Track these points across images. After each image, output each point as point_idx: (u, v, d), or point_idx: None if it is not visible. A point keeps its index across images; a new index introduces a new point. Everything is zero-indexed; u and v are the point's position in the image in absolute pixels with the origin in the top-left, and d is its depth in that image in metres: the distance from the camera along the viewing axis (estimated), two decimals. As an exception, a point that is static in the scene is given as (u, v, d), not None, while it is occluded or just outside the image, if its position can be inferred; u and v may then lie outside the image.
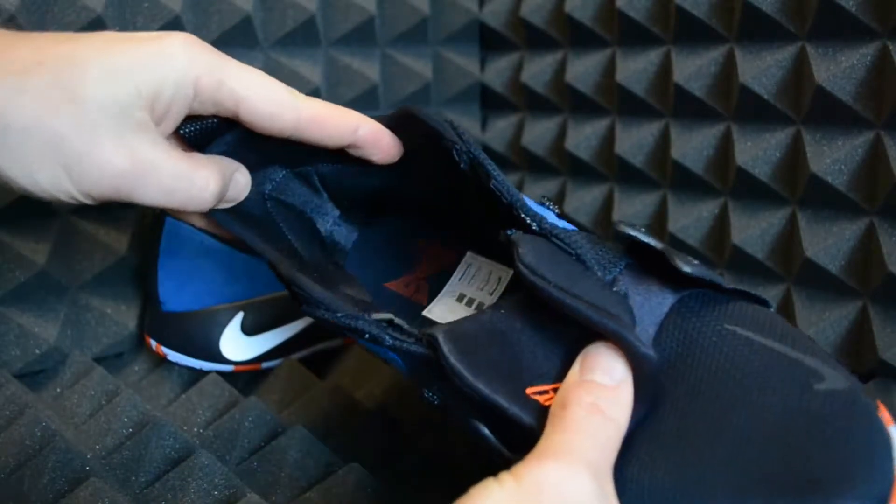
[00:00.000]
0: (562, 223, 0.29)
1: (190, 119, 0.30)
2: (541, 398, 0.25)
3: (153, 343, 0.46)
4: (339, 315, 0.28)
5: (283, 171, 0.35)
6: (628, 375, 0.24)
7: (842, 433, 0.22)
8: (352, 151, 0.32)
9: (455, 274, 0.35)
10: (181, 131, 0.30)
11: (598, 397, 0.24)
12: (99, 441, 0.39)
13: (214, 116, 0.30)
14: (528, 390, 0.25)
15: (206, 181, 0.29)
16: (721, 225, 0.46)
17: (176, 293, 0.45)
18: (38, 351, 0.44)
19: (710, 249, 0.47)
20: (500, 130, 0.61)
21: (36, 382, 0.45)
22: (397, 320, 0.28)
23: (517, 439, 0.25)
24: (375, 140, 0.32)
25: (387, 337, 0.27)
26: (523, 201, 0.28)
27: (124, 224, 0.48)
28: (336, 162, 0.34)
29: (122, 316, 0.48)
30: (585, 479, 0.22)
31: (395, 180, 0.33)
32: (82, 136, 0.26)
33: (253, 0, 0.50)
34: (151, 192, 0.28)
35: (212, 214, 0.32)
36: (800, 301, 0.42)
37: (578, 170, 0.55)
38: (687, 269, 0.26)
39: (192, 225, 0.34)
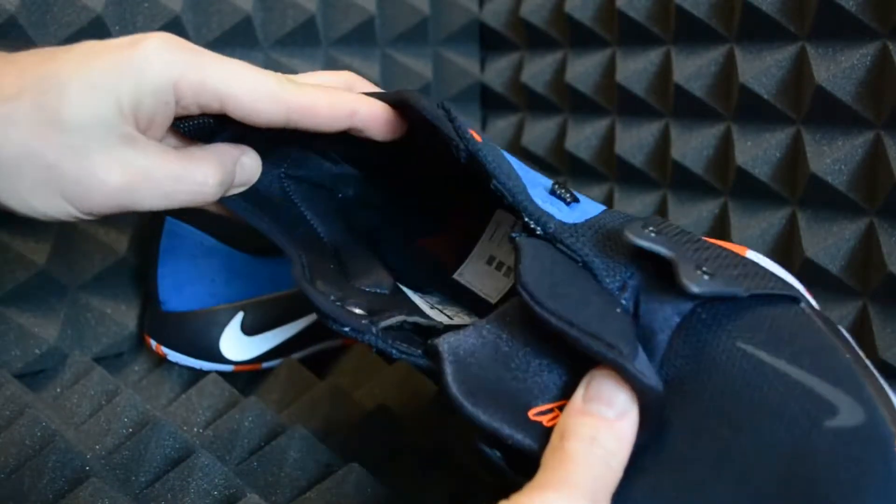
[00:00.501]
0: (573, 214, 0.28)
1: (185, 117, 0.29)
2: (544, 419, 0.25)
3: (153, 343, 0.46)
4: (346, 329, 0.28)
5: (297, 147, 0.34)
6: (632, 407, 0.24)
7: (850, 481, 0.21)
8: (353, 133, 0.31)
9: (485, 234, 0.35)
10: (179, 127, 0.30)
11: (598, 431, 0.23)
12: (99, 441, 0.39)
13: (207, 115, 0.30)
14: (531, 412, 0.25)
15: (205, 176, 0.29)
16: (721, 225, 0.46)
17: (176, 293, 0.45)
18: (38, 351, 0.44)
19: (710, 249, 0.47)
20: (500, 130, 0.61)
21: (36, 382, 0.45)
22: (410, 319, 0.28)
23: (521, 461, 0.24)
24: (375, 121, 0.31)
25: (394, 351, 0.28)
26: (528, 201, 0.28)
27: (124, 224, 0.48)
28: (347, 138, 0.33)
29: (122, 316, 0.48)
30: None
31: (408, 154, 0.33)
32: (72, 160, 0.26)
33: (253, 0, 0.50)
34: (152, 200, 0.28)
35: (225, 204, 0.32)
36: (800, 301, 0.42)
37: (578, 170, 0.55)
38: (695, 289, 0.24)
39: (203, 207, 0.34)
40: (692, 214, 0.48)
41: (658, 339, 0.25)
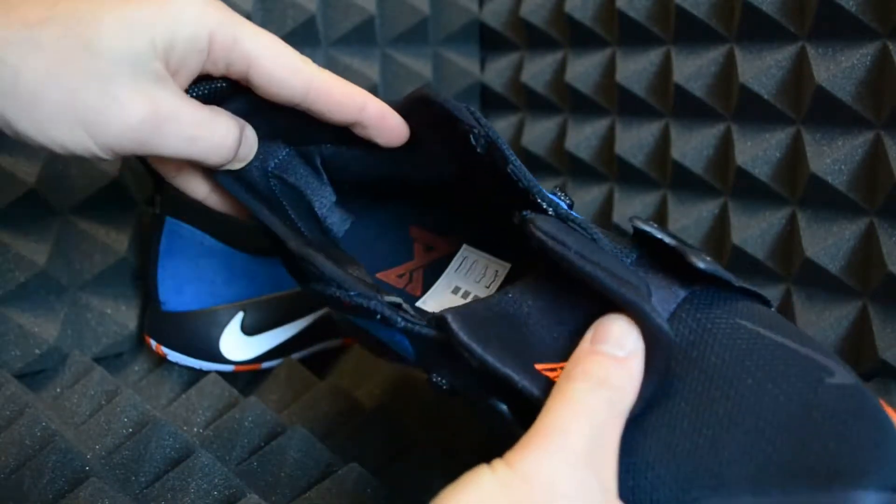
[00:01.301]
0: (574, 214, 0.29)
1: (199, 80, 0.30)
2: (550, 374, 0.25)
3: (153, 343, 0.46)
4: (352, 294, 0.28)
5: (287, 149, 0.34)
6: (640, 348, 0.24)
7: (854, 427, 0.22)
8: (357, 131, 0.31)
9: (451, 265, 0.35)
10: (190, 92, 0.30)
11: (607, 370, 0.23)
12: (99, 441, 0.39)
13: (224, 78, 0.30)
14: (538, 366, 0.25)
15: (228, 129, 0.29)
16: (721, 225, 0.46)
17: (176, 293, 0.45)
18: (38, 351, 0.44)
19: (710, 249, 0.47)
20: (500, 130, 0.61)
21: (36, 382, 0.45)
22: (405, 305, 0.28)
23: (528, 415, 0.24)
24: (381, 120, 0.31)
25: (399, 319, 0.27)
26: (539, 188, 0.28)
27: (124, 224, 0.48)
28: (340, 143, 0.33)
29: (122, 316, 0.48)
30: (580, 472, 0.22)
31: (397, 167, 0.33)
32: (98, 88, 0.26)
33: (252, 0, 0.50)
34: (173, 142, 0.28)
35: (218, 179, 0.32)
36: (800, 301, 0.42)
37: (578, 170, 0.55)
38: (701, 265, 0.25)
39: (195, 196, 0.34)
40: (692, 214, 0.48)
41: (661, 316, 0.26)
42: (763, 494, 0.22)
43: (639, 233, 0.27)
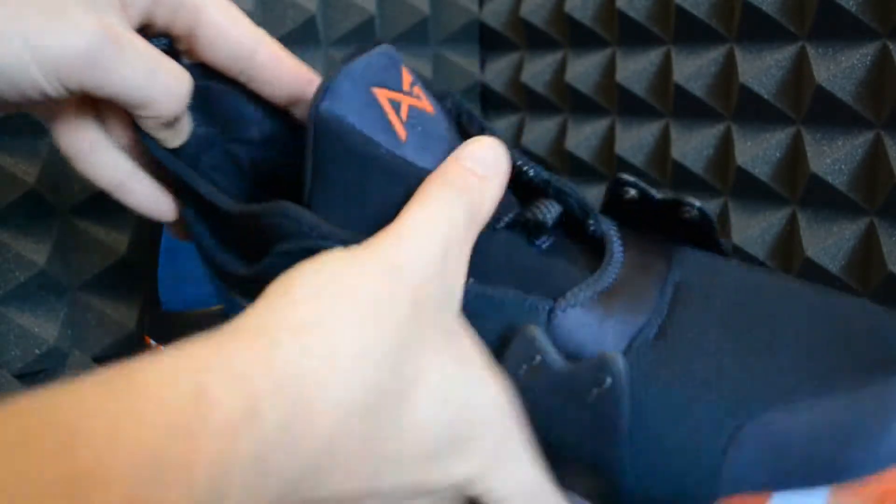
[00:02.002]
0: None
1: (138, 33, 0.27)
2: None
3: (153, 343, 0.46)
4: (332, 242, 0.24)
5: (219, 145, 0.31)
6: (503, 171, 0.25)
7: (892, 327, 0.23)
8: (297, 112, 0.29)
9: None
10: None
11: (468, 182, 0.23)
12: (99, 441, 0.39)
13: (166, 36, 0.27)
14: None
15: (182, 72, 0.26)
16: (721, 225, 0.46)
17: (176, 293, 0.45)
18: (38, 351, 0.44)
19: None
20: (500, 131, 0.61)
21: (36, 382, 0.45)
22: None
23: None
24: None
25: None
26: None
27: (124, 224, 0.48)
28: (270, 146, 0.30)
29: (122, 316, 0.48)
30: (431, 267, 0.21)
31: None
32: (49, 3, 0.23)
33: (252, 0, 0.50)
34: (130, 73, 0.24)
35: (146, 143, 0.28)
36: (800, 301, 0.42)
37: (578, 170, 0.55)
38: (697, 204, 0.26)
39: (106, 181, 0.29)
40: (692, 214, 0.48)
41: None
42: (825, 399, 0.21)
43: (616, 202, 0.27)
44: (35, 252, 0.44)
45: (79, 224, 0.46)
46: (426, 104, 0.26)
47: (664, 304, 0.24)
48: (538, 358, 0.22)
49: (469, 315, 0.23)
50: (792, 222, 0.43)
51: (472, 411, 0.21)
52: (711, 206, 0.47)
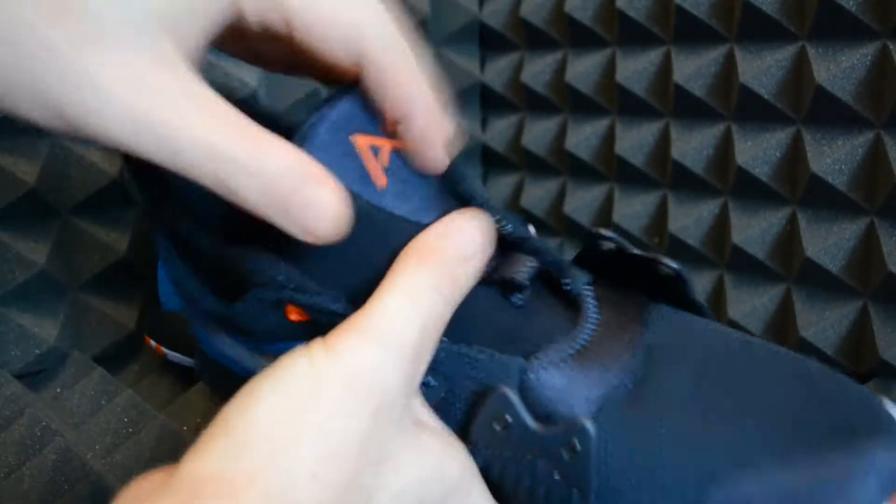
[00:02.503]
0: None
1: None
2: None
3: (153, 343, 0.46)
4: (313, 296, 0.23)
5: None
6: (485, 251, 0.23)
7: (854, 392, 0.23)
8: (398, 128, 0.24)
9: None
10: None
11: (448, 264, 0.22)
12: (99, 441, 0.39)
13: (260, 34, 0.22)
14: None
15: (250, 157, 0.20)
16: (721, 225, 0.46)
17: (176, 293, 0.45)
18: (38, 351, 0.44)
19: (710, 249, 0.47)
20: (500, 130, 0.61)
21: (36, 382, 0.45)
22: None
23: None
24: (432, 129, 0.24)
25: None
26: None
27: (124, 224, 0.48)
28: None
29: (122, 316, 0.48)
30: (405, 366, 0.20)
31: None
32: (72, 58, 0.19)
33: (253, 0, 0.50)
34: (156, 153, 0.19)
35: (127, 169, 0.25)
36: (800, 301, 0.42)
37: (578, 170, 0.55)
38: (674, 265, 0.26)
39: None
40: (692, 214, 0.48)
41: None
42: (789, 464, 0.21)
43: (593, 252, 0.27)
44: (35, 252, 0.44)
45: (79, 224, 0.46)
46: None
47: (636, 366, 0.24)
48: (510, 419, 0.23)
49: (440, 374, 0.23)
50: (792, 222, 0.43)
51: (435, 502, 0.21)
52: (711, 206, 0.47)
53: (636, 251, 0.26)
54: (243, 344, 0.27)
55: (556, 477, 0.22)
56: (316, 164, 0.20)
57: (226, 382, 0.27)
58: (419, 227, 0.24)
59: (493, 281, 0.25)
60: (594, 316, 0.25)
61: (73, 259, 0.46)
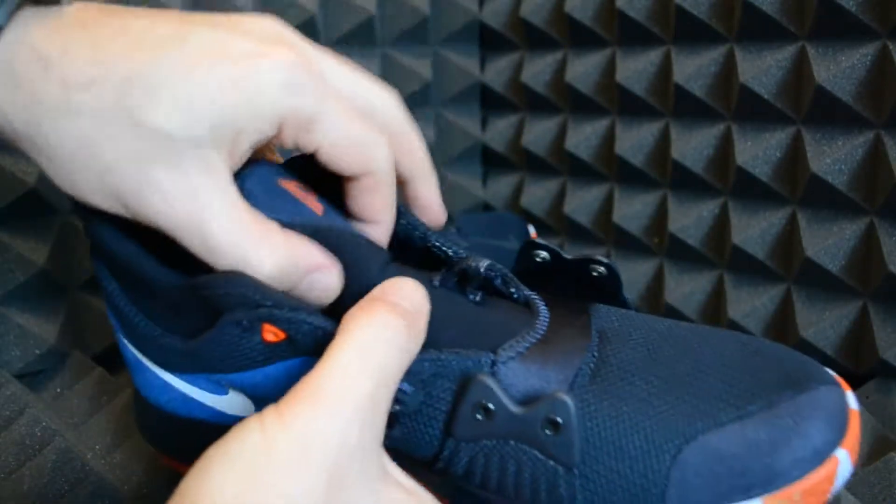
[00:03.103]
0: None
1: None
2: None
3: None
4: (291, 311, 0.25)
5: None
6: (427, 307, 0.24)
7: (790, 353, 0.27)
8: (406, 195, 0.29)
9: None
10: None
11: (397, 322, 0.22)
12: (99, 441, 0.39)
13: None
14: None
15: (261, 260, 0.24)
16: (721, 225, 0.46)
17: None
18: (38, 351, 0.44)
19: (710, 249, 0.47)
20: (500, 130, 0.61)
21: (36, 382, 0.45)
22: None
23: None
24: (431, 200, 0.29)
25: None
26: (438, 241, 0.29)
27: (124, 224, 0.48)
28: None
29: (122, 316, 0.48)
30: (358, 431, 0.20)
31: None
32: (137, 171, 0.22)
33: (252, 1, 0.50)
34: (197, 244, 0.23)
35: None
36: (800, 301, 0.42)
37: (578, 170, 0.55)
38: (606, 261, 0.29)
39: None
40: (692, 214, 0.48)
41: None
42: (747, 415, 0.24)
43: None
44: (35, 252, 0.44)
45: (79, 224, 0.46)
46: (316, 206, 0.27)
47: (593, 348, 0.26)
48: (491, 406, 0.24)
49: (416, 381, 0.24)
50: (792, 222, 0.43)
51: None
52: (711, 206, 0.47)
53: (569, 256, 0.29)
54: (203, 381, 0.27)
55: (540, 456, 0.24)
56: (320, 254, 0.25)
57: (166, 432, 0.29)
58: (366, 238, 0.27)
59: (450, 278, 0.27)
60: (545, 312, 0.27)
61: (73, 259, 0.46)
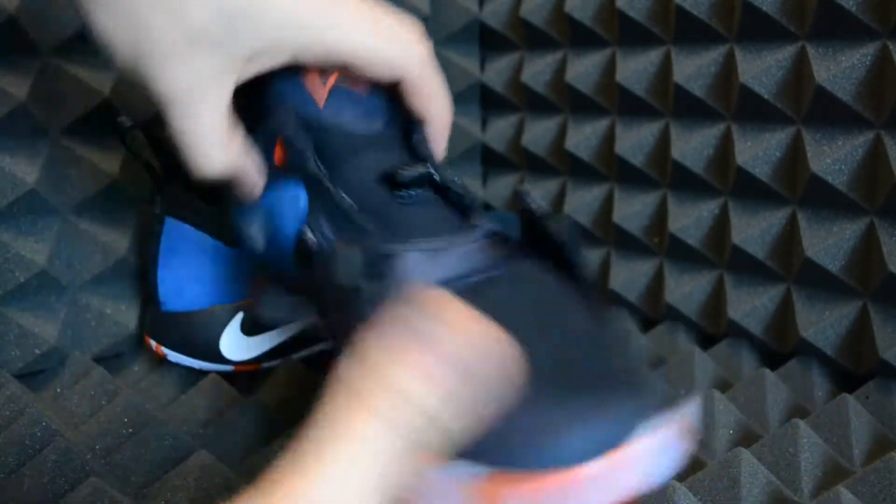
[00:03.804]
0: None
1: None
2: None
3: (153, 343, 0.46)
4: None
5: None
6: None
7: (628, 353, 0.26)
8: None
9: None
10: None
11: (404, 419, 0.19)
12: (99, 441, 0.39)
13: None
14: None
15: (214, 156, 0.30)
16: (721, 225, 0.46)
17: (176, 293, 0.45)
18: (38, 351, 0.44)
19: (710, 249, 0.47)
20: (500, 130, 0.61)
21: (36, 382, 0.45)
22: None
23: None
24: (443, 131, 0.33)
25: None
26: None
27: (124, 224, 0.48)
28: None
29: (122, 316, 0.48)
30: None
31: None
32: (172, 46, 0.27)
33: (253, 0, 0.50)
34: (178, 116, 0.29)
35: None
36: (800, 301, 0.42)
37: (578, 170, 0.55)
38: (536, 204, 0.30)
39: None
40: (692, 214, 0.48)
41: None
42: (562, 386, 0.22)
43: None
44: (35, 252, 0.44)
45: (79, 224, 0.46)
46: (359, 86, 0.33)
47: (482, 277, 0.28)
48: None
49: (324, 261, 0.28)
50: (792, 222, 0.43)
51: None
52: (711, 206, 0.47)
53: (537, 208, 0.30)
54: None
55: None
56: (255, 173, 0.32)
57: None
58: (349, 137, 0.31)
59: (385, 179, 0.31)
60: (480, 236, 0.29)
61: (73, 259, 0.46)
